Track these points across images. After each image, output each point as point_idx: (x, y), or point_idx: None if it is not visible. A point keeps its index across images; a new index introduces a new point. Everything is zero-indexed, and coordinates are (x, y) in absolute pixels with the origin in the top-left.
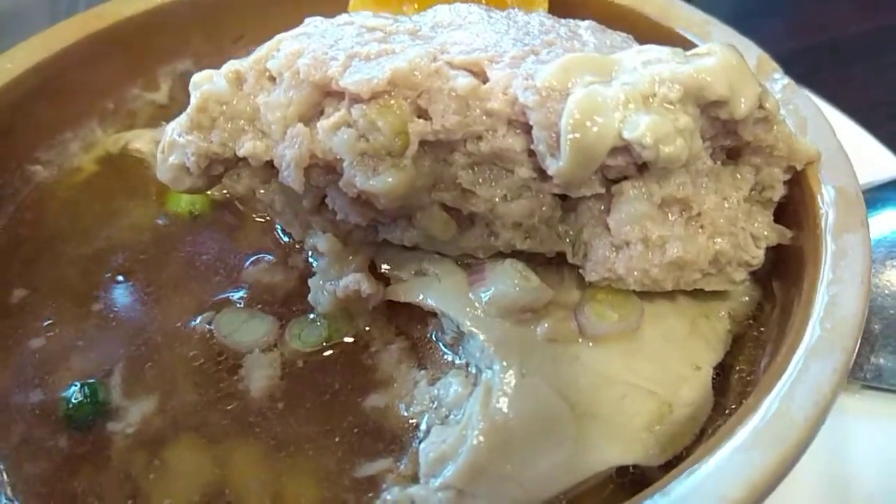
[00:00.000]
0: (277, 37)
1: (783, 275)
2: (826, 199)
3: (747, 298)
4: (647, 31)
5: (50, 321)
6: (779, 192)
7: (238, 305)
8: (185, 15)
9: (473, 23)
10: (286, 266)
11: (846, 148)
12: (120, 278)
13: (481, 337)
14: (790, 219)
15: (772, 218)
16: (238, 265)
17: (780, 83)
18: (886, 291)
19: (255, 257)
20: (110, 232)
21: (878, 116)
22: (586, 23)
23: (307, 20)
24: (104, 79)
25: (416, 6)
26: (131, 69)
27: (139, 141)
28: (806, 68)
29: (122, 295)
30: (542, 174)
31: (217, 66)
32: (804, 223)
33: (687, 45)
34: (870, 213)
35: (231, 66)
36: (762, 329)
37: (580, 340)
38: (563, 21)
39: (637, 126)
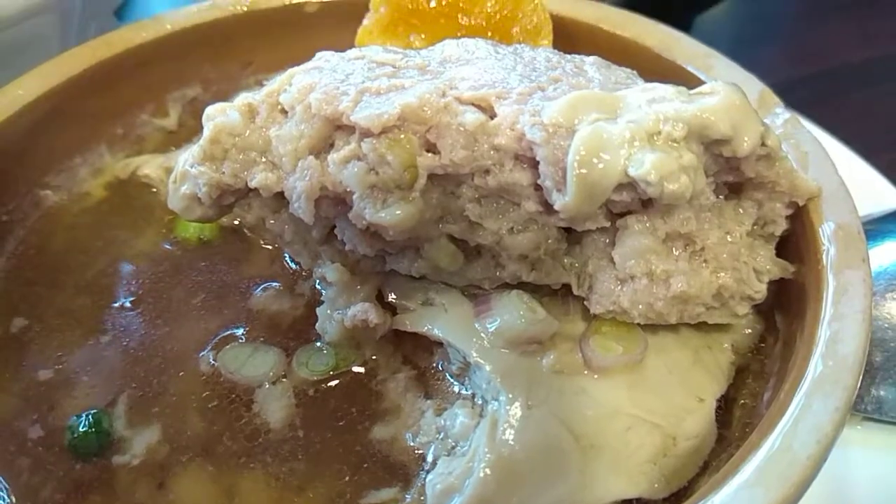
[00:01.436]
0: (290, 70)
1: (785, 308)
2: (827, 234)
3: (750, 331)
4: (650, 65)
5: (55, 349)
6: (781, 227)
7: (241, 341)
8: (195, 42)
9: (481, 58)
10: (293, 294)
11: (845, 178)
12: (127, 306)
13: (487, 368)
14: (792, 253)
15: (774, 252)
16: (246, 293)
17: (781, 118)
18: (886, 324)
19: (263, 285)
20: (117, 258)
21: (877, 146)
22: (591, 58)
23: (318, 54)
24: (114, 105)
25: (423, 37)
26: (141, 95)
27: (148, 167)
28: (805, 97)
29: (128, 323)
30: (549, 208)
31: (226, 92)
32: (806, 258)
33: (689, 77)
34: (869, 245)
35: (244, 98)
36: (765, 361)
37: (585, 372)
38: (568, 57)
39: (642, 163)
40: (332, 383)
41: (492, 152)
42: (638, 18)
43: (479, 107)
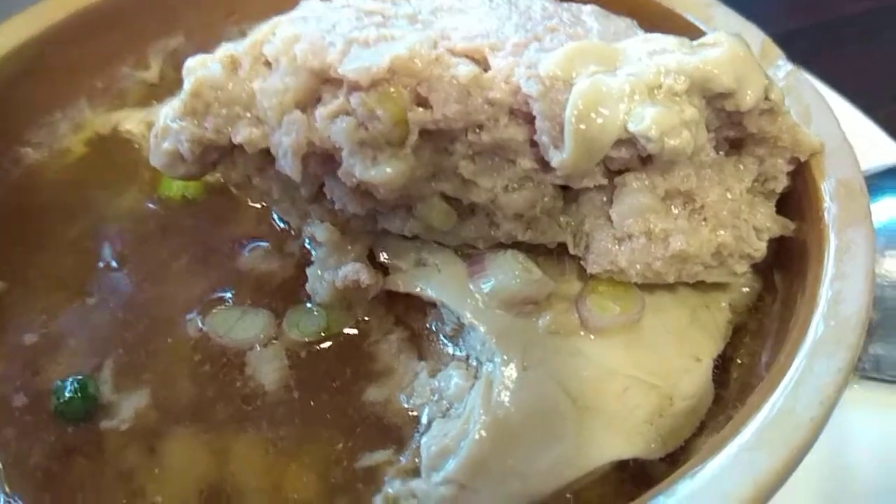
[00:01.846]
0: (273, 20)
1: (785, 266)
2: (829, 191)
3: (748, 289)
4: (649, 14)
5: (37, 312)
6: (782, 184)
7: (229, 304)
8: None
9: (474, 7)
10: (282, 253)
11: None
12: (111, 267)
13: (482, 329)
14: (793, 210)
15: (774, 209)
16: (233, 253)
17: (783, 70)
18: (885, 282)
19: (251, 245)
20: (101, 218)
21: (876, 99)
22: (589, 7)
23: (303, 3)
24: (93, 57)
25: None
26: (121, 47)
27: (129, 122)
28: (803, 48)
29: (113, 286)
30: (545, 165)
31: (209, 43)
32: (807, 215)
33: (688, 27)
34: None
35: (226, 50)
36: (763, 320)
37: (582, 333)
38: (565, 5)
39: (642, 118)
40: (324, 345)
41: (486, 107)
42: None
43: (472, 59)
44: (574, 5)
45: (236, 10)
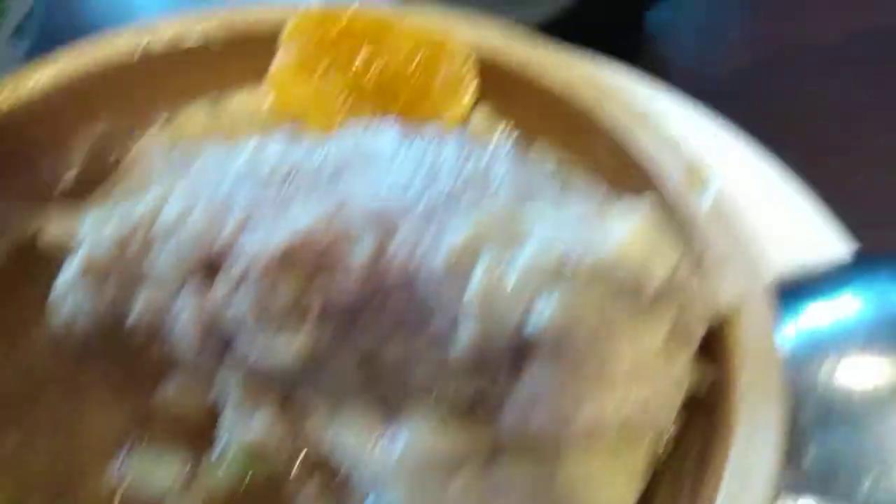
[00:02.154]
0: (164, 190)
1: (702, 409)
2: (742, 357)
3: (668, 428)
4: (572, 127)
5: None
6: (698, 335)
7: (146, 445)
8: (97, 82)
9: (381, 162)
10: (197, 391)
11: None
12: (28, 403)
13: (394, 491)
14: (711, 352)
15: (690, 362)
16: (151, 387)
17: (708, 198)
18: (811, 389)
19: (167, 378)
20: (15, 347)
21: (833, 142)
22: (502, 159)
23: (196, 165)
24: (9, 162)
25: (338, 78)
26: (40, 144)
27: (51, 228)
28: (756, 85)
29: (28, 426)
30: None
31: (134, 127)
32: (721, 372)
33: (613, 148)
34: (813, 300)
35: (117, 224)
36: (683, 463)
37: (496, 495)
38: (476, 157)
39: (544, 309)
40: (243, 493)
41: (385, 285)
42: (574, 65)
43: (374, 231)
44: (487, 155)
45: (159, 97)
